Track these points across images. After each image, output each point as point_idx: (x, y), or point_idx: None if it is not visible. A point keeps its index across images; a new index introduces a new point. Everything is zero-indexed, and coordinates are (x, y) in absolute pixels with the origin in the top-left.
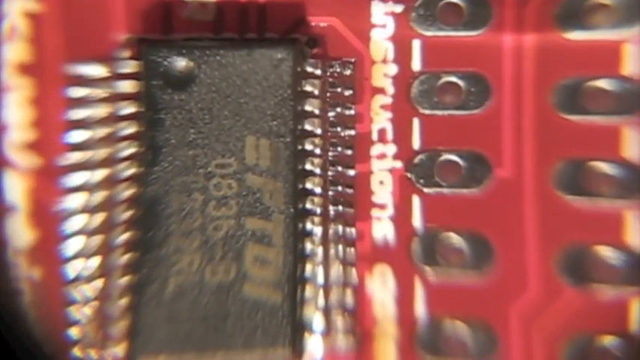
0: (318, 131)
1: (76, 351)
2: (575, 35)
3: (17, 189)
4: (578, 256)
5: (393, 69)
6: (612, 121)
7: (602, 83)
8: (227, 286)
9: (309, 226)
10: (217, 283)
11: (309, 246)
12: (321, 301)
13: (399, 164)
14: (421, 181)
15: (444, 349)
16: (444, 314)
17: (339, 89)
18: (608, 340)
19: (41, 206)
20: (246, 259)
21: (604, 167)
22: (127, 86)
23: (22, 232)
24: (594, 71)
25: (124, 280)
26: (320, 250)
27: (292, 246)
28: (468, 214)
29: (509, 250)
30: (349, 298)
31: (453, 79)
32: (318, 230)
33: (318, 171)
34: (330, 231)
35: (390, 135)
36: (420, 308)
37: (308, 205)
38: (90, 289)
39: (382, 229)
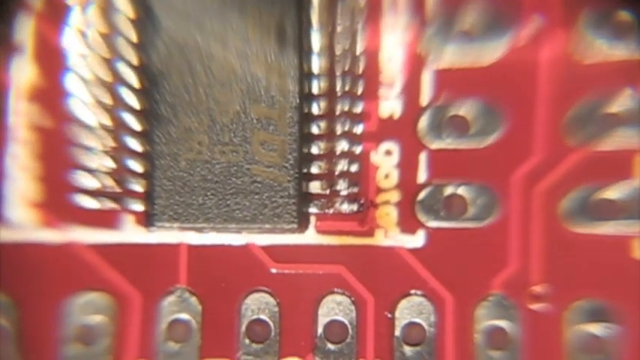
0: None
1: (86, 198)
2: None
3: (26, 29)
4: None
5: None
6: None
7: None
8: (236, 165)
9: (315, 108)
10: (226, 162)
11: (315, 127)
12: (326, 175)
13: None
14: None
15: (445, 211)
16: (446, 180)
17: None
18: (609, 190)
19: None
20: (253, 143)
21: None
22: None
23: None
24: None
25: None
26: (327, 130)
27: (298, 133)
28: (480, 88)
29: (517, 116)
30: (354, 172)
31: None
32: (324, 110)
33: (325, 50)
34: (337, 111)
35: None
36: (422, 175)
37: (314, 88)
38: (102, 140)
39: (390, 106)
